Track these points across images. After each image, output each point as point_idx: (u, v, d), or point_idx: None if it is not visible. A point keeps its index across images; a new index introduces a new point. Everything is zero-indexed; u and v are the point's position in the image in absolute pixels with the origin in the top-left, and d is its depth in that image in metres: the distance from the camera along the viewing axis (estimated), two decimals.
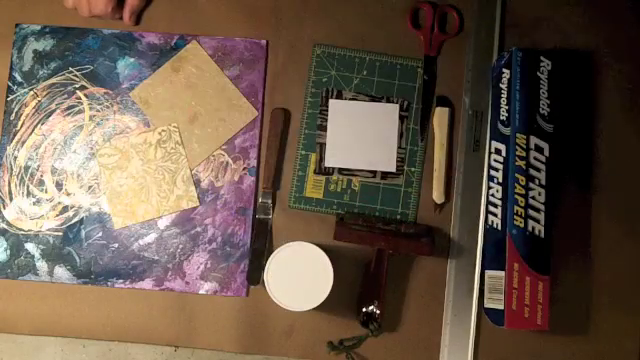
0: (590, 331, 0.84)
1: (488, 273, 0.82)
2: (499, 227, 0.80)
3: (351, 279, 0.85)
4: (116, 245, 0.85)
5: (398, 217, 0.86)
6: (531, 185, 0.79)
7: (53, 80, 0.88)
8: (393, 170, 0.87)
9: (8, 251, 0.85)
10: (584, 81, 0.89)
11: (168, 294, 0.85)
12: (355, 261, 0.85)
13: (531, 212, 0.78)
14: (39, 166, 0.87)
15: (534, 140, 0.80)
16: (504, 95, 0.82)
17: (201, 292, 0.85)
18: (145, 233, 0.86)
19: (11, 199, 0.86)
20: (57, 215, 0.86)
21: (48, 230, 0.86)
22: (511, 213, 0.78)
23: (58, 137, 0.87)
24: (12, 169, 0.87)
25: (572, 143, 0.88)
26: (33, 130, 0.87)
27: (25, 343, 1.57)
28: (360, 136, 0.87)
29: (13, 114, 0.88)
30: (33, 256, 0.85)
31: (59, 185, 0.87)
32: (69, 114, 0.88)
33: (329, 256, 0.75)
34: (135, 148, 0.87)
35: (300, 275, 0.75)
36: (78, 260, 0.85)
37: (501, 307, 0.77)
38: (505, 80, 0.82)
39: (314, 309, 0.75)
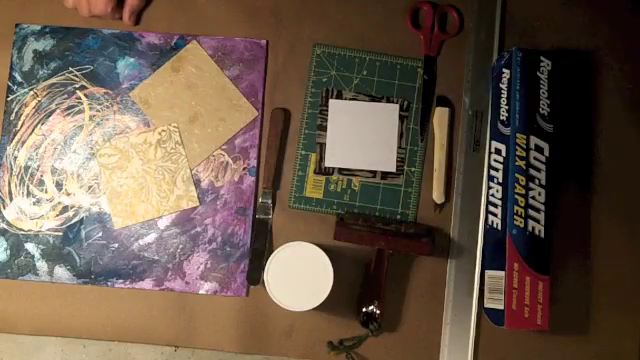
0: (590, 331, 0.84)
1: (488, 273, 0.82)
2: (499, 227, 0.80)
3: (351, 279, 0.85)
4: (116, 245, 0.85)
5: (398, 217, 0.86)
6: (531, 185, 0.79)
7: (53, 80, 0.88)
8: (393, 170, 0.87)
9: (8, 251, 0.85)
10: (584, 81, 0.89)
11: (168, 294, 0.85)
12: (355, 261, 0.85)
13: (531, 212, 0.78)
14: (39, 166, 0.87)
15: (534, 140, 0.80)
16: (504, 95, 0.82)
17: (201, 292, 0.85)
18: (145, 233, 0.86)
19: (11, 199, 0.86)
20: (57, 215, 0.86)
21: (48, 230, 0.86)
22: (511, 213, 0.78)
23: (58, 137, 0.87)
24: (12, 169, 0.87)
25: (572, 143, 0.88)
26: (33, 130, 0.87)
27: (25, 343, 1.57)
28: (360, 136, 0.87)
29: (13, 114, 0.88)
30: (33, 256, 0.85)
31: (59, 185, 0.87)
32: (69, 114, 0.88)
33: (329, 256, 0.75)
34: (135, 148, 0.87)
35: (300, 275, 0.75)
36: (78, 260, 0.85)
37: (501, 307, 0.77)
38: (505, 80, 0.82)
39: (314, 309, 0.76)
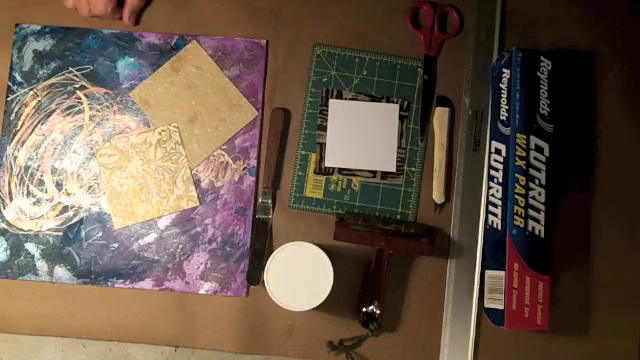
0: (590, 331, 0.84)
1: (488, 273, 0.82)
2: (499, 227, 0.80)
3: (351, 279, 0.85)
4: (116, 245, 0.85)
5: (398, 217, 0.86)
6: (531, 185, 0.79)
7: (53, 80, 0.88)
8: (393, 170, 0.87)
9: (8, 251, 0.85)
10: (584, 81, 0.89)
11: (168, 294, 0.85)
12: (355, 261, 0.85)
13: (531, 212, 0.78)
14: (39, 166, 0.87)
15: (534, 140, 0.80)
16: (504, 95, 0.82)
17: (201, 292, 0.85)
18: (145, 233, 0.86)
19: (11, 199, 0.86)
20: (57, 215, 0.86)
21: (48, 230, 0.86)
22: (511, 213, 0.78)
23: (58, 137, 0.87)
24: (12, 169, 0.87)
25: (572, 143, 0.88)
26: (33, 130, 0.87)
27: (25, 343, 1.57)
28: (360, 136, 0.87)
29: (13, 114, 0.88)
30: (33, 256, 0.85)
31: (59, 185, 0.87)
32: (69, 114, 0.88)
33: (329, 256, 0.75)
34: (135, 148, 0.87)
35: (300, 275, 0.75)
36: (78, 260, 0.85)
37: (501, 307, 0.77)
38: (505, 80, 0.82)
39: (314, 309, 0.76)
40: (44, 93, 0.88)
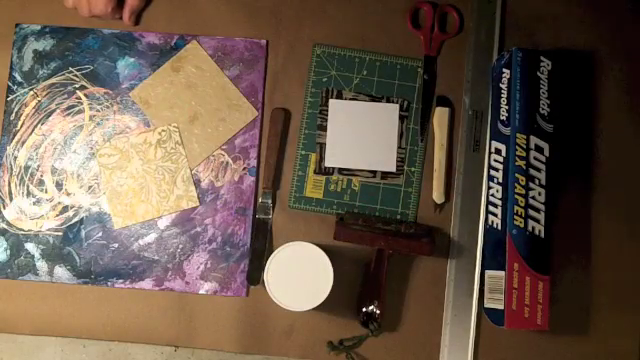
0: (590, 331, 0.84)
1: (488, 273, 0.82)
2: (499, 227, 0.80)
3: (351, 279, 0.85)
4: (116, 245, 0.85)
5: (398, 217, 0.86)
6: (531, 185, 0.79)
7: (53, 80, 0.88)
8: (393, 170, 0.87)
9: (8, 251, 0.85)
10: (584, 81, 0.89)
11: (168, 294, 0.85)
12: (355, 261, 0.85)
13: (531, 212, 0.78)
14: (39, 166, 0.87)
15: (534, 140, 0.80)
16: (504, 95, 0.82)
17: (201, 292, 0.85)
18: (145, 233, 0.86)
19: (11, 199, 0.86)
20: (57, 215, 0.86)
21: (48, 230, 0.86)
22: (511, 213, 0.78)
23: (58, 137, 0.87)
24: (12, 169, 0.87)
25: (572, 143, 0.88)
26: (33, 130, 0.87)
27: (25, 343, 1.57)
28: (360, 136, 0.87)
29: (13, 114, 0.88)
30: (33, 256, 0.85)
31: (59, 185, 0.87)
32: (69, 114, 0.88)
33: (329, 256, 0.75)
34: (135, 148, 0.87)
35: (300, 275, 0.75)
36: (78, 260, 0.85)
37: (501, 307, 0.77)
38: (505, 80, 0.82)
39: (314, 309, 0.76)
40: (44, 93, 0.88)
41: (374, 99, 0.88)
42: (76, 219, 0.86)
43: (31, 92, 0.88)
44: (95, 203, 0.86)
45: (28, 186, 0.87)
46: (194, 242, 0.85)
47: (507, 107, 0.81)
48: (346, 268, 0.85)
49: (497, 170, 0.82)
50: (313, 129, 0.88)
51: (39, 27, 0.89)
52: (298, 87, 0.88)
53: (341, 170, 0.87)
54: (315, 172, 0.87)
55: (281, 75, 0.89)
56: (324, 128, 0.88)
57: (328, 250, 0.77)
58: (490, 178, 0.83)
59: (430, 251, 0.81)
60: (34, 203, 0.86)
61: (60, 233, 0.86)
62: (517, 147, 0.79)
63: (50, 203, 0.86)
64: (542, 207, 0.79)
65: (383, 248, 0.81)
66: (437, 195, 0.86)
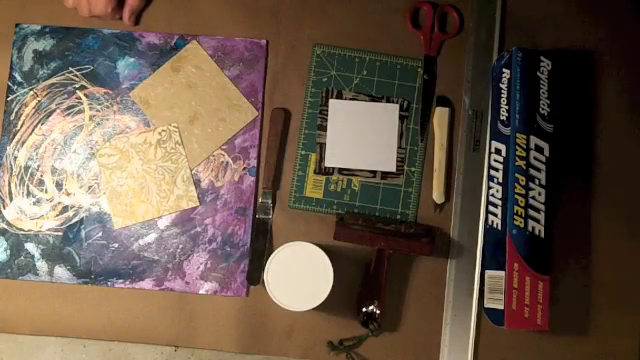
0: (590, 331, 0.84)
1: (488, 273, 0.82)
2: (499, 227, 0.80)
3: (351, 279, 0.85)
4: (116, 245, 0.85)
5: (398, 217, 0.86)
6: (531, 185, 0.79)
7: (53, 80, 0.88)
8: (393, 170, 0.87)
9: (8, 251, 0.85)
10: (584, 81, 0.89)
11: (168, 294, 0.85)
12: (355, 261, 0.85)
13: (531, 212, 0.78)
14: (39, 166, 0.87)
15: (534, 140, 0.80)
16: (504, 95, 0.82)
17: (201, 292, 0.85)
18: (145, 233, 0.86)
19: (11, 199, 0.86)
20: (57, 215, 0.86)
21: (48, 230, 0.86)
22: (511, 213, 0.78)
23: (58, 137, 0.87)
24: (12, 169, 0.87)
25: (572, 143, 0.88)
26: (33, 130, 0.87)
27: (25, 343, 1.57)
28: (360, 136, 0.87)
29: (13, 114, 0.88)
30: (33, 256, 0.85)
31: (59, 185, 0.87)
32: (69, 114, 0.88)
33: (329, 256, 0.75)
34: (135, 148, 0.87)
35: (300, 275, 0.75)
36: (78, 260, 0.85)
37: (501, 307, 0.77)
38: (505, 80, 0.82)
39: (314, 309, 0.75)
40: (44, 93, 0.88)
41: (374, 99, 0.88)
42: (76, 219, 0.86)
43: (31, 92, 0.88)
44: (95, 203, 0.86)
45: (28, 186, 0.87)
46: (194, 242, 0.85)
47: (507, 107, 0.81)
48: (346, 268, 0.85)
49: (497, 170, 0.82)
50: (313, 129, 0.88)
51: (39, 27, 0.89)
52: (298, 87, 0.88)
53: (341, 170, 0.87)
54: (315, 172, 0.87)
55: (281, 75, 0.89)
56: (324, 128, 0.88)
57: (328, 250, 0.77)
58: (490, 178, 0.83)
59: (430, 251, 0.81)
60: (34, 203, 0.86)
61: (60, 233, 0.86)
62: (517, 147, 0.79)
63: (50, 203, 0.86)
64: (542, 207, 0.79)
65: (383, 248, 0.81)
66: (437, 195, 0.86)
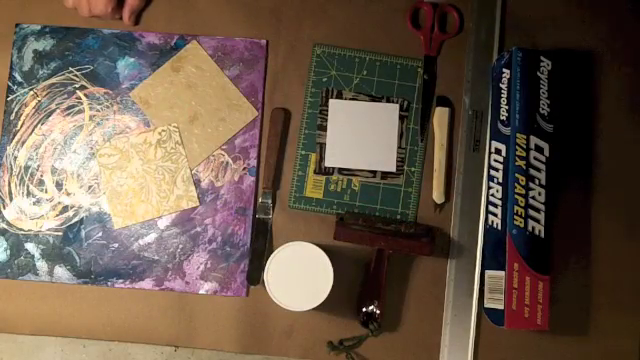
0: (590, 331, 0.84)
1: (488, 273, 0.82)
2: (499, 227, 0.80)
3: (351, 279, 0.85)
4: (116, 245, 0.85)
5: (398, 217, 0.86)
6: (531, 185, 0.79)
7: (53, 80, 0.88)
8: (393, 170, 0.87)
9: (8, 251, 0.85)
10: (584, 81, 0.89)
11: (168, 294, 0.85)
12: (355, 261, 0.85)
13: (531, 212, 0.78)
14: (39, 166, 0.87)
15: (534, 140, 0.80)
16: (504, 95, 0.82)
17: (201, 292, 0.85)
18: (145, 233, 0.86)
19: (11, 199, 0.86)
20: (57, 215, 0.86)
21: (48, 230, 0.86)
22: (511, 213, 0.78)
23: (58, 137, 0.87)
24: (12, 169, 0.87)
25: (572, 143, 0.88)
26: (33, 130, 0.87)
27: (25, 343, 1.57)
28: (360, 136, 0.87)
29: (13, 114, 0.88)
30: (33, 256, 0.85)
31: (59, 185, 0.87)
32: (69, 114, 0.88)
33: (329, 256, 0.75)
34: (135, 148, 0.87)
35: (300, 275, 0.75)
36: (78, 260, 0.85)
37: (501, 307, 0.77)
38: (505, 80, 0.82)
39: (314, 309, 0.75)
40: (44, 93, 0.88)
41: (374, 99, 0.88)
42: (76, 219, 0.86)
43: (31, 92, 0.88)
44: (95, 203, 0.86)
45: (28, 186, 0.87)
46: (194, 242, 0.85)
47: (507, 107, 0.81)
48: (346, 268, 0.85)
49: (497, 170, 0.82)
50: (313, 129, 0.88)
51: (39, 27, 0.89)
52: (298, 87, 0.88)
53: (341, 170, 0.87)
54: (315, 172, 0.87)
55: (281, 75, 0.89)
56: (324, 128, 0.88)
57: (328, 250, 0.77)
58: (490, 178, 0.83)
59: (430, 251, 0.81)
60: (34, 203, 0.86)
61: (60, 233, 0.86)
62: (517, 147, 0.79)
63: (50, 203, 0.86)
64: (542, 207, 0.79)
65: (383, 248, 0.81)
66: (437, 195, 0.86)
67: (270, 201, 0.86)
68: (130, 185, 0.86)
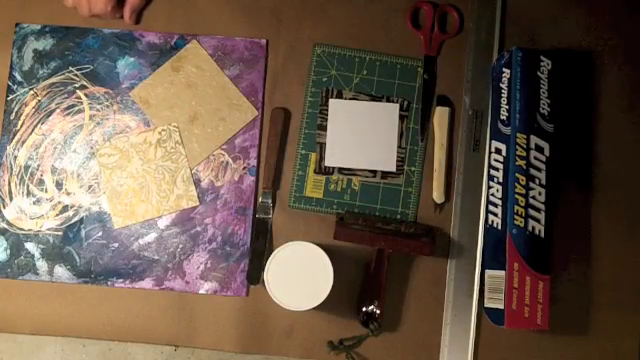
0: (590, 331, 0.84)
1: (488, 273, 0.82)
2: (499, 227, 0.80)
3: (351, 279, 0.85)
4: (116, 245, 0.85)
5: (398, 217, 0.86)
6: (531, 185, 0.79)
7: (53, 80, 0.88)
8: (393, 170, 0.87)
9: (8, 251, 0.85)
10: (584, 81, 0.89)
11: (168, 294, 0.85)
12: (355, 261, 0.85)
13: (531, 212, 0.78)
14: (39, 166, 0.87)
15: (534, 140, 0.80)
16: (504, 95, 0.82)
17: (201, 292, 0.85)
18: (145, 233, 0.86)
19: (11, 199, 0.86)
20: (57, 215, 0.86)
21: (48, 230, 0.86)
22: (511, 213, 0.78)
23: (58, 137, 0.87)
24: (12, 169, 0.87)
25: (572, 143, 0.88)
26: (33, 130, 0.87)
27: (25, 343, 1.57)
28: (360, 136, 0.87)
29: (13, 114, 0.88)
30: (33, 256, 0.85)
31: (59, 185, 0.87)
32: (69, 114, 0.88)
33: (329, 256, 0.75)
34: (135, 148, 0.87)
35: (300, 275, 0.75)
36: (78, 260, 0.85)
37: (501, 307, 0.77)
38: (505, 80, 0.82)
39: (314, 309, 0.75)
40: (44, 93, 0.88)
41: (374, 99, 0.88)
42: (76, 219, 0.86)
43: (31, 92, 0.88)
44: (95, 203, 0.86)
45: (28, 186, 0.87)
46: (194, 242, 0.85)
47: (507, 107, 0.81)
48: (346, 268, 0.85)
49: (497, 170, 0.82)
50: (313, 129, 0.88)
51: (39, 27, 0.89)
52: (298, 87, 0.88)
53: (341, 170, 0.87)
54: (315, 172, 0.87)
55: (281, 75, 0.89)
56: (324, 128, 0.88)
57: (328, 250, 0.77)
58: (490, 178, 0.83)
59: (430, 251, 0.81)
60: (34, 203, 0.86)
61: (60, 233, 0.86)
62: (517, 147, 0.79)
63: (50, 203, 0.86)
64: (542, 207, 0.79)
65: (383, 248, 0.81)
66: (437, 195, 0.86)
67: (270, 201, 0.86)
68: (130, 185, 0.86)
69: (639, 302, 0.85)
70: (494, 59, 0.88)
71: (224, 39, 0.89)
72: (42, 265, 0.85)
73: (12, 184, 0.87)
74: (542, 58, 0.81)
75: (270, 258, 0.76)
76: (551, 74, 0.81)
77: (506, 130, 0.81)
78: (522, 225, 0.78)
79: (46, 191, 0.87)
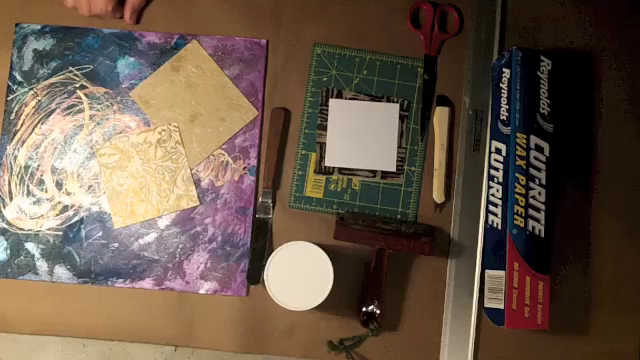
0: (590, 331, 0.84)
1: (488, 273, 0.82)
2: (499, 227, 0.80)
3: (351, 279, 0.85)
4: (116, 245, 0.85)
5: (398, 217, 0.86)
6: (531, 185, 0.79)
7: (53, 79, 0.88)
8: (393, 170, 0.87)
9: (8, 251, 0.85)
10: (584, 81, 0.89)
11: (168, 294, 0.85)
12: (355, 261, 0.85)
13: (531, 212, 0.78)
14: (39, 165, 0.87)
15: (534, 140, 0.80)
16: (504, 95, 0.82)
17: (201, 292, 0.85)
18: (145, 233, 0.86)
19: (11, 199, 0.86)
20: (57, 214, 0.86)
21: (48, 230, 0.86)
22: (511, 213, 0.78)
23: (58, 136, 0.87)
24: (12, 169, 0.87)
25: (572, 143, 0.88)
26: (33, 129, 0.87)
27: (25, 343, 1.57)
28: (360, 136, 0.87)
29: (13, 113, 0.88)
30: (33, 255, 0.85)
31: (59, 184, 0.87)
32: (69, 114, 0.88)
33: (329, 256, 0.75)
34: (135, 148, 0.87)
35: (300, 275, 0.75)
36: (78, 259, 0.85)
37: (501, 307, 0.77)
38: (505, 80, 0.82)
39: (314, 309, 0.75)
40: (44, 93, 0.88)
41: (374, 99, 0.88)
42: (76, 219, 0.86)
43: (31, 92, 0.88)
44: (95, 203, 0.86)
45: (28, 186, 0.87)
46: (194, 242, 0.85)
47: (507, 107, 0.81)
48: (346, 268, 0.85)
49: (497, 170, 0.82)
50: (313, 129, 0.88)
51: (39, 27, 0.89)
52: (298, 87, 0.88)
53: (341, 170, 0.87)
54: (315, 172, 0.87)
55: (281, 75, 0.89)
56: (324, 128, 0.88)
57: (328, 250, 0.77)
58: (490, 178, 0.83)
59: (430, 251, 0.81)
60: (34, 203, 0.86)
61: (60, 233, 0.86)
62: (517, 147, 0.79)
63: (50, 203, 0.86)
64: (542, 207, 0.79)
65: (383, 248, 0.81)
66: (437, 195, 0.86)
67: (270, 201, 0.86)
68: (130, 185, 0.86)
69: (639, 302, 0.85)
70: (494, 59, 0.88)
71: (224, 39, 0.89)
72: (42, 265, 0.85)
73: (12, 184, 0.87)
74: (542, 58, 0.81)
75: (270, 258, 0.76)
76: (551, 74, 0.81)
77: (506, 130, 0.81)
78: (522, 225, 0.78)
79: (46, 191, 0.87)
